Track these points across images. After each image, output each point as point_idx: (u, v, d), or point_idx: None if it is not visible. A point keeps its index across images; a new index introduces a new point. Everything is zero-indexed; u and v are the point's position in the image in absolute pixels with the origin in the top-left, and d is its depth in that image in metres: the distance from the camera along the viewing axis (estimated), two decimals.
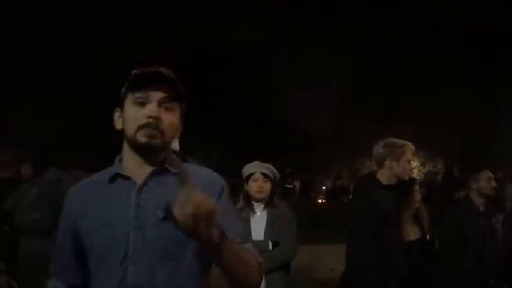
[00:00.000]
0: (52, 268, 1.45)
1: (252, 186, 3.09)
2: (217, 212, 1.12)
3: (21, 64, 16.04)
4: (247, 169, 3.16)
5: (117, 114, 1.39)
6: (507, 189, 4.16)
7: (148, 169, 1.33)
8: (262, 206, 3.10)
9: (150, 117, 1.28)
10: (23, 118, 15.53)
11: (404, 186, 3.20)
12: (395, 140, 3.06)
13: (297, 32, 18.20)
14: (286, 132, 18.43)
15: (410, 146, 3.03)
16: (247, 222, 2.99)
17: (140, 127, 1.29)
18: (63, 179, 4.05)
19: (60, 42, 16.74)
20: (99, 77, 17.18)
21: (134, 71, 1.34)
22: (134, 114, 1.31)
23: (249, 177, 3.12)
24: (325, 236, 6.39)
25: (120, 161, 1.40)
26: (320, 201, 14.30)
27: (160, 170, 1.34)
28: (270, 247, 2.96)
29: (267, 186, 3.11)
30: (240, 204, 3.10)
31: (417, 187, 3.82)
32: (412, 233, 3.64)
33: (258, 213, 3.09)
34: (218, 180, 1.40)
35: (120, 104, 1.38)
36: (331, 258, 4.73)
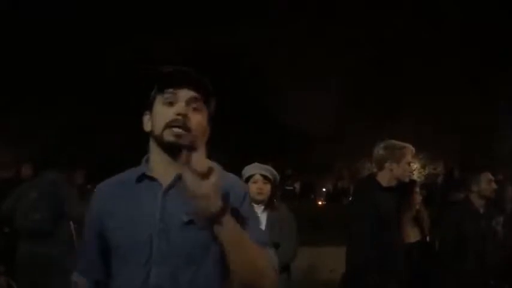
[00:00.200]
0: (78, 263, 1.47)
1: (252, 188, 3.08)
2: (219, 184, 1.11)
3: (21, 64, 16.04)
4: (247, 171, 3.16)
5: (146, 117, 1.41)
6: (507, 191, 4.17)
7: (176, 168, 1.31)
8: (262, 207, 3.10)
9: (178, 114, 1.30)
10: (23, 118, 15.53)
11: (404, 188, 3.20)
12: (396, 142, 3.06)
13: (297, 32, 18.20)
14: (286, 133, 18.44)
15: (410, 148, 3.03)
16: None
17: (168, 124, 1.30)
18: (62, 180, 4.05)
19: (60, 42, 16.74)
20: (99, 77, 17.20)
21: (163, 70, 1.35)
22: (163, 114, 1.32)
23: (248, 179, 3.12)
24: (325, 238, 6.39)
25: (147, 161, 1.41)
26: (320, 203, 14.28)
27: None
28: None
29: (267, 188, 3.10)
30: None
31: (417, 189, 3.81)
32: (412, 235, 3.64)
33: (258, 215, 3.08)
34: (241, 186, 1.41)
35: (149, 107, 1.39)
36: (332, 260, 4.73)
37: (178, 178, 1.30)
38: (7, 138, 15.39)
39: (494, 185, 3.55)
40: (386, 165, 2.98)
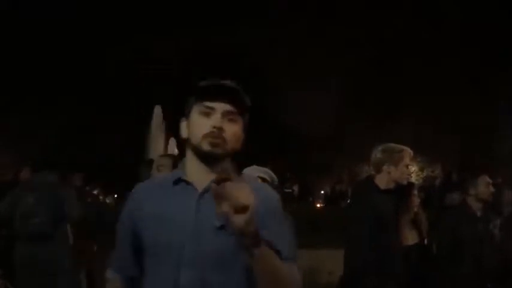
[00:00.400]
0: (112, 260, 1.53)
1: None
2: (253, 207, 1.13)
3: (21, 64, 16.07)
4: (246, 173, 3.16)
5: (183, 124, 1.46)
6: (504, 194, 4.16)
7: (211, 176, 1.35)
8: None
9: (214, 127, 1.36)
10: (23, 118, 15.54)
11: (402, 191, 3.21)
12: (394, 145, 3.07)
13: (297, 32, 18.18)
14: (285, 133, 18.42)
15: (408, 151, 3.04)
16: None
17: (205, 136, 1.36)
18: (60, 182, 4.05)
19: (60, 42, 16.76)
20: (99, 77, 17.21)
21: (202, 83, 1.42)
22: (200, 124, 1.38)
23: None
24: (323, 241, 6.36)
25: (183, 166, 1.46)
26: (319, 205, 14.26)
27: (222, 179, 1.36)
28: None
29: None
30: None
31: (415, 192, 3.82)
32: (410, 237, 3.65)
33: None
34: (274, 195, 1.45)
35: (186, 114, 1.45)
36: (330, 263, 4.73)
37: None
38: (7, 138, 15.41)
39: (491, 189, 3.54)
40: (385, 168, 2.99)
